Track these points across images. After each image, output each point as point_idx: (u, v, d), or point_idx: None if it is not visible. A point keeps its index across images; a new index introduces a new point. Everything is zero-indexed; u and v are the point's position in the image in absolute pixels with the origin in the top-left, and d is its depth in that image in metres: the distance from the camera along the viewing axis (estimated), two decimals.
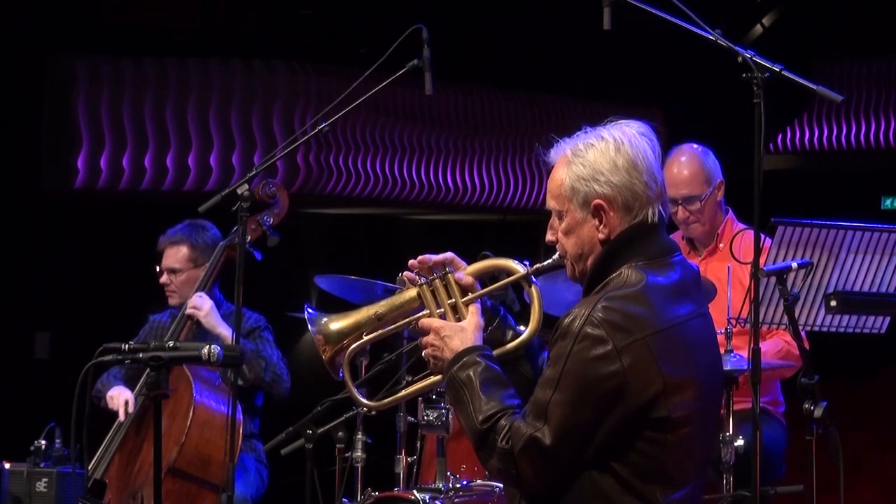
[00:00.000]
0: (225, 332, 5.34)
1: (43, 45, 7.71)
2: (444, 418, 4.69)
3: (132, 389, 5.36)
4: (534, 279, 3.18)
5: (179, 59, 7.98)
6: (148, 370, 3.61)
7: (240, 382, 5.09)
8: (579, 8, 5.10)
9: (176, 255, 5.62)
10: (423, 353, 3.17)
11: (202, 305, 5.39)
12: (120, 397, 5.31)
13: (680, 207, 5.18)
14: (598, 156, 3.05)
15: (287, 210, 5.27)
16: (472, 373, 3.03)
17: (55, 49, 7.75)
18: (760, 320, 4.32)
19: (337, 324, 3.23)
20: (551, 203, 3.12)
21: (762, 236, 4.36)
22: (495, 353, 3.13)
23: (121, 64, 7.84)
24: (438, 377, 3.16)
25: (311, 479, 4.97)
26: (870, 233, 4.68)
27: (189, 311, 5.40)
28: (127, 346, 3.59)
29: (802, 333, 4.42)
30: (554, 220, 3.13)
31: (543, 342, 3.23)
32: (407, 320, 3.23)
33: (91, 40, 7.90)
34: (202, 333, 5.51)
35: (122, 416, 5.27)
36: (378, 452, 5.15)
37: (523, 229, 10.12)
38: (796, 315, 4.35)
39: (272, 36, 8.58)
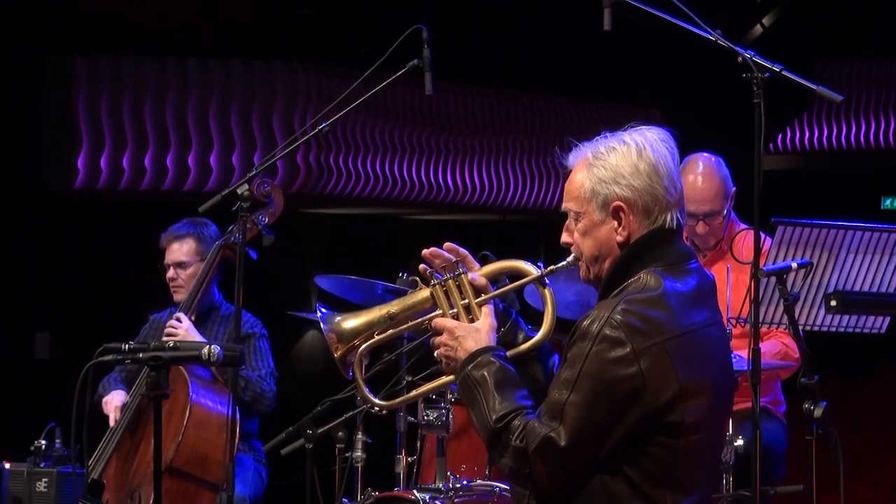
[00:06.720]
0: None
1: (43, 44, 7.71)
2: (444, 418, 4.69)
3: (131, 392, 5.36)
4: (547, 281, 3.18)
5: (179, 59, 7.98)
6: (147, 370, 3.61)
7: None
8: (579, 8, 5.09)
9: (182, 249, 5.60)
10: (435, 354, 3.16)
11: (177, 327, 5.28)
12: (111, 403, 5.31)
13: (701, 222, 5.14)
14: (620, 159, 3.06)
15: (282, 209, 5.25)
16: (486, 372, 3.03)
17: (55, 49, 7.75)
18: (760, 320, 4.32)
19: (350, 323, 3.23)
20: (569, 204, 3.13)
21: (762, 236, 4.35)
22: (507, 353, 3.12)
23: (121, 64, 7.85)
24: (451, 377, 3.15)
25: (311, 479, 4.97)
26: (870, 233, 4.67)
27: (164, 336, 5.27)
28: (127, 346, 3.58)
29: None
30: (570, 222, 3.13)
31: (553, 345, 3.23)
32: (419, 320, 3.22)
33: (91, 40, 7.91)
34: (198, 332, 5.49)
35: (111, 422, 5.26)
36: (378, 452, 5.15)
37: (523, 229, 10.14)
38: (796, 315, 4.34)
39: (272, 36, 8.59)
